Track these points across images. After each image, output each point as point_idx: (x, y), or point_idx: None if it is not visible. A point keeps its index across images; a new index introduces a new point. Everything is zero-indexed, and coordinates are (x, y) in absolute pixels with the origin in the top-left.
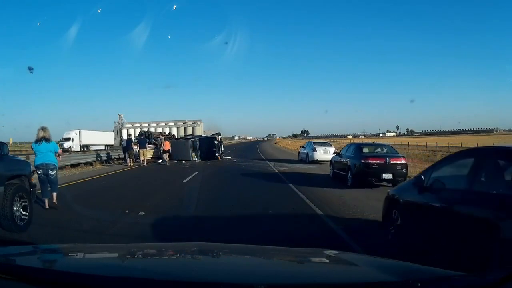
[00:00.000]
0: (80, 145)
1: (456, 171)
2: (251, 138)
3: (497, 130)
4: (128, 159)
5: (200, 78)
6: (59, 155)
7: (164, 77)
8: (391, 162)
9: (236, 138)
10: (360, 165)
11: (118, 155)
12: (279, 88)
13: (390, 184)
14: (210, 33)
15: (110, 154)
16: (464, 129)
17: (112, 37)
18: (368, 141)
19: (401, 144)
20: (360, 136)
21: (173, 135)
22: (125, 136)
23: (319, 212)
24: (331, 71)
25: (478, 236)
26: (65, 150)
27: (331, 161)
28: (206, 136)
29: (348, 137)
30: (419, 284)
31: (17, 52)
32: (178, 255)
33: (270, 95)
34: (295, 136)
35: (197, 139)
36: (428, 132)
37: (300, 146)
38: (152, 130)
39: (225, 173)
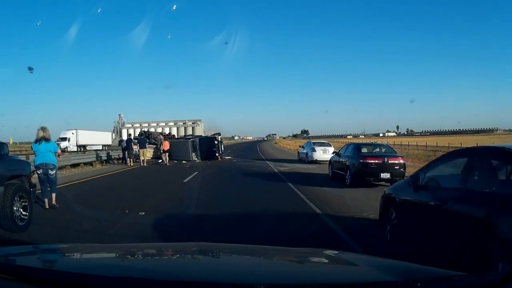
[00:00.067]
0: (77, 145)
1: (450, 170)
2: (251, 138)
3: (497, 130)
4: (128, 159)
5: (200, 78)
6: (59, 155)
7: (164, 77)
8: (389, 161)
9: (236, 138)
10: (358, 165)
11: (118, 155)
12: (279, 88)
13: (388, 184)
14: (210, 33)
15: (110, 154)
16: (464, 129)
17: (112, 37)
18: (368, 141)
19: (401, 144)
20: (360, 136)
21: (173, 135)
22: (125, 136)
23: (319, 212)
24: (331, 71)
25: (470, 232)
26: (62, 150)
27: (330, 161)
28: (206, 136)
29: (348, 137)
30: (419, 284)
31: (17, 52)
32: (178, 255)
33: (270, 95)
34: (295, 136)
35: (197, 139)
36: (428, 132)
37: (300, 146)
38: (152, 130)
39: (225, 173)
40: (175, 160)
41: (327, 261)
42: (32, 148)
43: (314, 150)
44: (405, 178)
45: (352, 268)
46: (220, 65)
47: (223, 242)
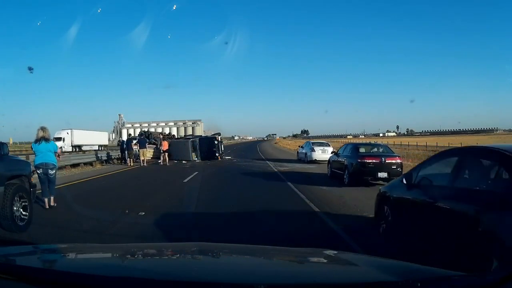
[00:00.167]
0: (72, 145)
1: (442, 169)
2: (251, 138)
3: (497, 130)
4: (128, 159)
5: (200, 78)
6: (59, 155)
7: (164, 77)
8: (387, 161)
9: (236, 138)
10: (356, 164)
11: (118, 155)
12: (279, 88)
13: (386, 183)
14: (210, 33)
15: (110, 154)
16: (464, 129)
17: (112, 37)
18: (368, 141)
19: (401, 144)
20: (360, 136)
21: (173, 135)
22: (124, 137)
23: (319, 212)
24: (331, 71)
25: (459, 229)
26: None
27: (329, 160)
28: (206, 136)
29: (348, 137)
30: (419, 284)
31: (17, 52)
32: (178, 255)
33: (270, 95)
34: (295, 136)
35: (197, 139)
36: (428, 132)
37: (299, 146)
38: (152, 130)
39: (225, 173)
40: (175, 160)
41: (327, 261)
42: (32, 148)
43: (313, 150)
44: None
45: (352, 268)
46: (220, 65)
47: (223, 242)
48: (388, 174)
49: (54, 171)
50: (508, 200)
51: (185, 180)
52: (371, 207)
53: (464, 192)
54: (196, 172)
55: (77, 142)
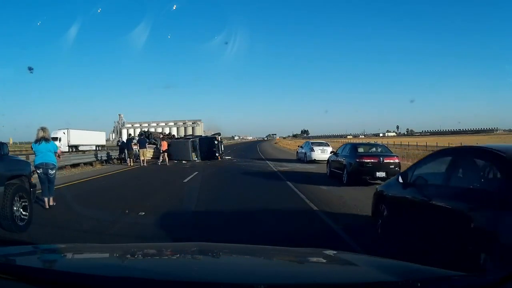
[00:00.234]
0: (68, 145)
1: (437, 169)
2: (251, 138)
3: (497, 130)
4: (128, 159)
5: (200, 78)
6: (59, 156)
7: (164, 77)
8: (385, 161)
9: (236, 138)
10: (355, 164)
11: (118, 155)
12: (279, 88)
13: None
14: (210, 33)
15: (110, 154)
16: (464, 129)
17: (112, 37)
18: (368, 141)
19: (401, 144)
20: (360, 136)
21: (173, 135)
22: (124, 137)
23: (318, 212)
24: (331, 71)
25: (452, 226)
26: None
27: (328, 160)
28: (206, 136)
29: (348, 137)
30: (419, 284)
31: (17, 52)
32: (178, 255)
33: (270, 95)
34: (295, 136)
35: (197, 139)
36: (428, 132)
37: (299, 146)
38: (152, 130)
39: (225, 173)
40: (175, 160)
41: (327, 261)
42: (32, 148)
43: (312, 150)
44: None
45: (352, 268)
46: (220, 65)
47: (223, 242)
48: (386, 173)
49: (54, 171)
50: (503, 199)
51: (185, 180)
52: (370, 206)
53: (458, 190)
54: (196, 172)
55: (73, 142)
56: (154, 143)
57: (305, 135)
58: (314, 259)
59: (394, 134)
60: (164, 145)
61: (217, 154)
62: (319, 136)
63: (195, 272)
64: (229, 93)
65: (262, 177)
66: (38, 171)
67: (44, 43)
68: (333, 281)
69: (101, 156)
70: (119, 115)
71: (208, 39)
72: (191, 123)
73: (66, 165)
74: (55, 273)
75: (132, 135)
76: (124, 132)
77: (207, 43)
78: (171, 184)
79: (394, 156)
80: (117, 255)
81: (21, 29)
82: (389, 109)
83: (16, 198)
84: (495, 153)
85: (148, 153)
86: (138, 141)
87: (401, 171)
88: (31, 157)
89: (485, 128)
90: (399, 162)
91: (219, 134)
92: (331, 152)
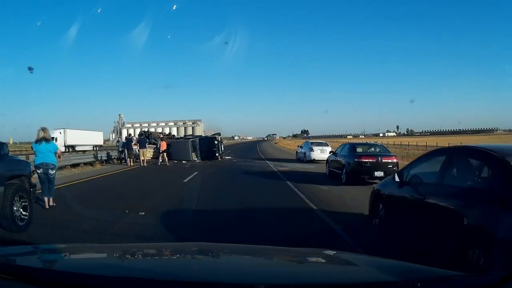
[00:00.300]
0: (64, 146)
1: (431, 168)
2: (251, 138)
3: (497, 130)
4: (128, 159)
5: (200, 78)
6: (59, 156)
7: (164, 77)
8: (383, 160)
9: (236, 138)
10: (353, 164)
11: (117, 155)
12: (279, 88)
13: None
14: (210, 33)
15: (110, 154)
16: (464, 129)
17: (112, 37)
18: (368, 141)
19: (401, 144)
20: (360, 136)
21: (173, 135)
22: (124, 137)
23: (318, 212)
24: (331, 71)
25: (446, 223)
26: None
27: (327, 160)
28: (206, 136)
29: (348, 137)
30: (419, 284)
31: (17, 52)
32: (178, 255)
33: (270, 95)
34: (295, 136)
35: (197, 139)
36: (428, 132)
37: (298, 146)
38: (152, 130)
39: (225, 173)
40: (175, 160)
41: (327, 261)
42: (32, 148)
43: (312, 150)
44: None
45: (352, 268)
46: (220, 65)
47: (223, 242)
48: (385, 173)
49: (54, 171)
50: (495, 198)
51: (185, 180)
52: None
53: (451, 189)
54: (196, 172)
55: (70, 142)
56: (154, 143)
57: (305, 135)
58: (314, 259)
59: (394, 134)
60: (163, 145)
61: (217, 154)
62: (319, 136)
63: (195, 272)
64: (229, 93)
65: (262, 177)
66: (38, 171)
67: (44, 43)
68: (333, 281)
69: (101, 156)
70: (119, 115)
71: (208, 39)
72: (191, 123)
73: (66, 165)
74: (55, 273)
75: (132, 135)
76: (124, 132)
77: (207, 43)
78: (171, 184)
79: (392, 156)
80: (117, 255)
81: (21, 29)
82: (389, 109)
83: (16, 198)
84: (487, 153)
85: (148, 153)
86: (138, 141)
87: None
88: (31, 157)
89: (485, 128)
90: (397, 162)
91: (219, 134)
92: (330, 152)
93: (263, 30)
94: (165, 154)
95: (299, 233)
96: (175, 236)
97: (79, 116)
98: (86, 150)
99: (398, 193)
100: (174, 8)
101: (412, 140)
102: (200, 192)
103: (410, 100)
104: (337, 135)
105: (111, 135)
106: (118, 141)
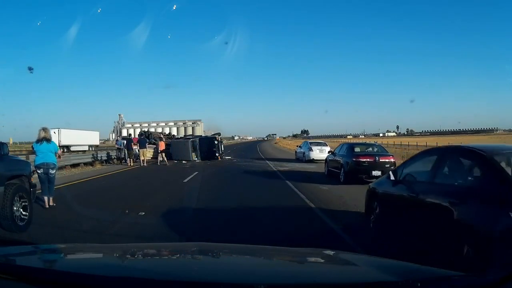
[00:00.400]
0: (59, 146)
1: (425, 167)
2: (251, 138)
3: (497, 130)
4: (128, 159)
5: (200, 78)
6: (59, 156)
7: (164, 77)
8: (381, 160)
9: (236, 138)
10: (352, 163)
11: (116, 154)
12: (279, 88)
13: None
14: (210, 33)
15: (110, 154)
16: (464, 129)
17: (112, 37)
18: (368, 141)
19: (401, 144)
20: (360, 136)
21: (173, 135)
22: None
23: (318, 211)
24: (331, 71)
25: (437, 219)
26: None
27: (326, 159)
28: (206, 136)
29: (348, 137)
30: (419, 284)
31: (17, 52)
32: (178, 255)
33: (270, 95)
34: (295, 136)
35: (197, 139)
36: (428, 132)
37: (297, 146)
38: (152, 130)
39: (225, 173)
40: (175, 160)
41: (326, 261)
42: (33, 148)
43: (311, 150)
44: None
45: (352, 268)
46: (220, 65)
47: (223, 242)
48: (382, 172)
49: (55, 171)
50: (484, 195)
51: (185, 180)
52: None
53: (443, 187)
54: (196, 172)
55: (65, 142)
56: (154, 143)
57: (305, 135)
58: (314, 259)
59: (394, 134)
60: (162, 145)
61: (217, 154)
62: (319, 136)
63: (195, 272)
64: (229, 93)
65: (262, 176)
66: (39, 171)
67: (44, 43)
68: (333, 281)
69: (101, 156)
70: (119, 115)
71: (208, 39)
72: (191, 123)
73: (66, 165)
74: (55, 273)
75: (132, 135)
76: (124, 132)
77: (207, 43)
78: (171, 184)
79: (389, 155)
80: (117, 255)
81: (21, 29)
82: (389, 109)
83: (16, 198)
84: (477, 152)
85: (148, 153)
86: (138, 141)
87: None
88: (31, 157)
89: (485, 128)
90: (394, 162)
91: (219, 134)
92: (329, 152)
93: (263, 30)
94: (164, 154)
95: (299, 233)
96: (175, 236)
97: (79, 116)
98: (80, 151)
99: (392, 191)
100: (174, 8)
101: (412, 140)
102: (200, 192)
103: (410, 100)
104: (337, 135)
105: (111, 135)
106: (116, 140)
